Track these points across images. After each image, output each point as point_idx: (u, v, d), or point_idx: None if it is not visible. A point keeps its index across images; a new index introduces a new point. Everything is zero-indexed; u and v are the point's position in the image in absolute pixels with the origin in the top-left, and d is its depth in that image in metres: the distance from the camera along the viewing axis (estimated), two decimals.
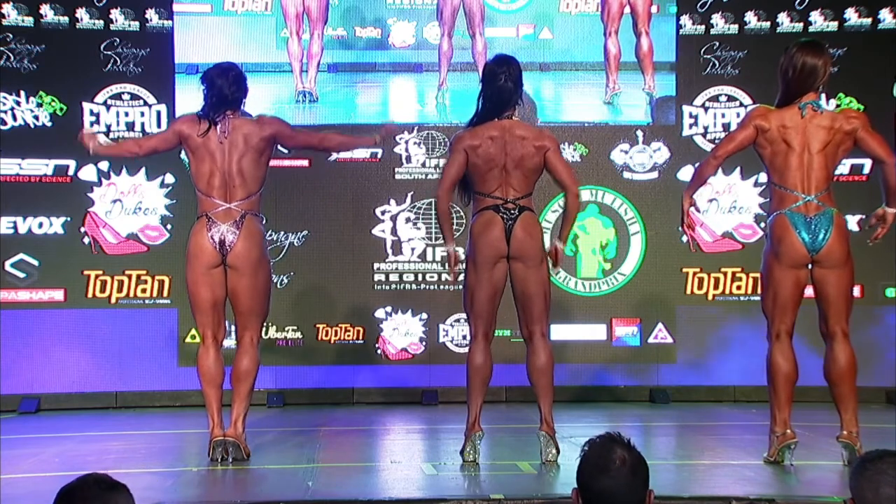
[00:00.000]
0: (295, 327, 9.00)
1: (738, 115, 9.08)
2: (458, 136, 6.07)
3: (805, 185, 5.79)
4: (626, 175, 9.17)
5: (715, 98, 9.16)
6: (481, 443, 5.92)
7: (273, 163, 6.34)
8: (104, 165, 8.84)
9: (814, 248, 5.76)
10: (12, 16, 8.77)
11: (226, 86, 6.02)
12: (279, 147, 6.33)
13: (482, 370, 5.95)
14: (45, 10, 8.79)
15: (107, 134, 8.52)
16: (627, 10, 9.04)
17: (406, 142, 9.05)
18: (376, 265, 9.05)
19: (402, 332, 9.05)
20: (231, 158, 6.00)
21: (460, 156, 5.96)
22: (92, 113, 8.87)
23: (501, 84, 5.95)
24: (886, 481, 2.73)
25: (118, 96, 8.91)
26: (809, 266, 5.82)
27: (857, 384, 5.87)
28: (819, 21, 9.06)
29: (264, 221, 6.31)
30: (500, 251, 5.90)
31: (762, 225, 8.98)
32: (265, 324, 6.34)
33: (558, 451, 5.86)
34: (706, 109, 9.16)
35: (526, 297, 5.95)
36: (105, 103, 8.88)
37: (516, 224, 5.88)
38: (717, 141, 9.03)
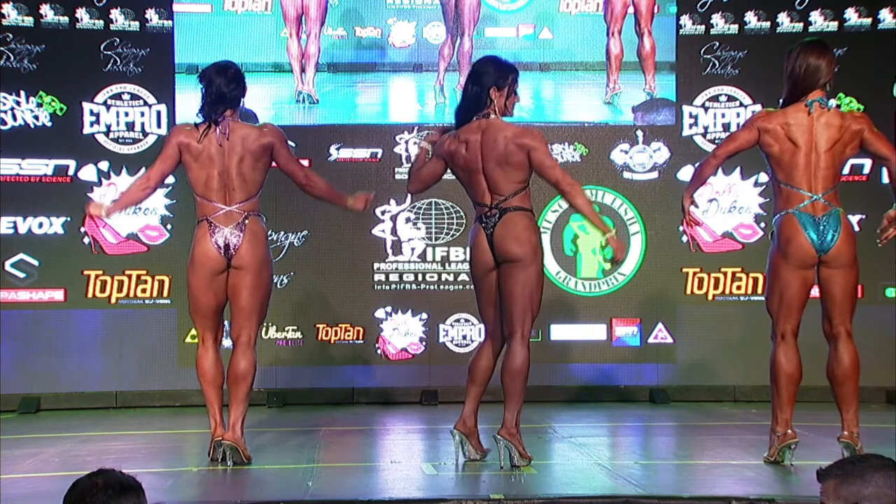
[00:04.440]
0: (295, 327, 9.00)
1: (738, 115, 9.10)
2: (441, 140, 6.00)
3: (812, 183, 5.78)
4: (626, 175, 9.17)
5: (715, 98, 9.16)
6: (461, 441, 5.85)
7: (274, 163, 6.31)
8: (104, 165, 8.86)
9: (822, 248, 5.75)
10: (12, 16, 8.77)
11: (224, 84, 5.98)
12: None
13: (472, 367, 5.90)
14: (45, 10, 8.79)
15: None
16: (631, 10, 9.04)
17: (406, 142, 9.05)
18: (376, 265, 9.06)
19: (402, 332, 9.05)
20: (230, 161, 5.95)
21: (438, 162, 5.94)
22: (92, 113, 8.87)
23: (466, 86, 5.93)
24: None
25: (118, 96, 8.91)
26: (815, 266, 5.82)
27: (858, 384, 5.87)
28: (819, 21, 9.06)
29: (265, 221, 6.29)
30: (486, 263, 5.81)
31: (762, 225, 9.00)
32: (265, 324, 6.31)
33: (522, 456, 5.70)
34: (706, 109, 9.16)
35: (504, 296, 5.79)
36: (105, 103, 8.89)
37: (496, 229, 5.76)
38: (717, 141, 9.05)
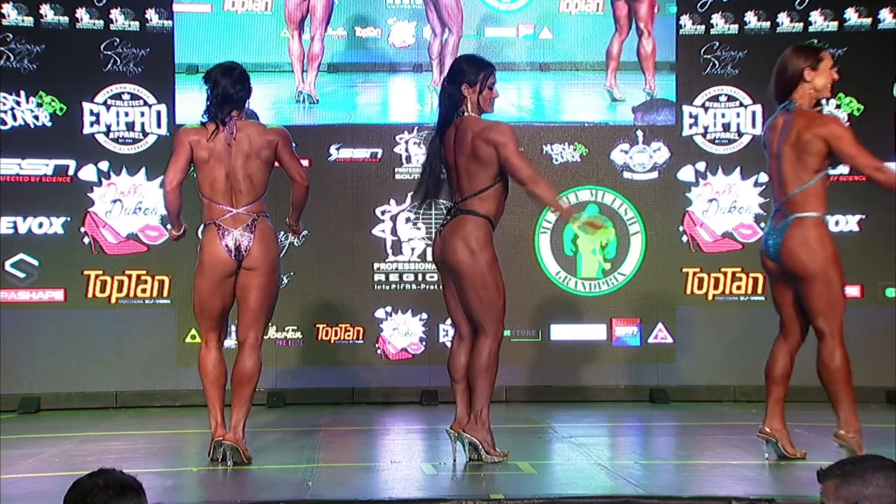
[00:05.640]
0: (295, 327, 9.00)
1: (737, 115, 9.10)
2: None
3: (776, 190, 5.79)
4: (626, 175, 9.17)
5: (715, 98, 9.15)
6: (457, 442, 5.85)
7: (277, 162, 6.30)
8: (104, 165, 8.85)
9: (775, 259, 5.76)
10: (12, 16, 8.76)
11: (230, 85, 5.95)
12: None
13: (450, 367, 5.92)
14: (45, 10, 8.79)
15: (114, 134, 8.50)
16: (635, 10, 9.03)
17: (406, 142, 9.05)
18: (376, 265, 9.06)
19: (402, 332, 9.05)
20: (237, 162, 5.91)
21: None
22: (92, 113, 8.87)
23: (442, 86, 6.00)
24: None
25: (118, 96, 8.91)
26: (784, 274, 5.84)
27: (857, 384, 5.83)
28: (819, 21, 9.05)
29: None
30: (436, 255, 5.94)
31: (762, 225, 8.99)
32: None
33: (489, 452, 5.73)
34: (706, 109, 9.16)
35: (459, 297, 5.86)
36: (105, 103, 8.88)
37: (445, 229, 5.85)
38: (717, 141, 9.08)
